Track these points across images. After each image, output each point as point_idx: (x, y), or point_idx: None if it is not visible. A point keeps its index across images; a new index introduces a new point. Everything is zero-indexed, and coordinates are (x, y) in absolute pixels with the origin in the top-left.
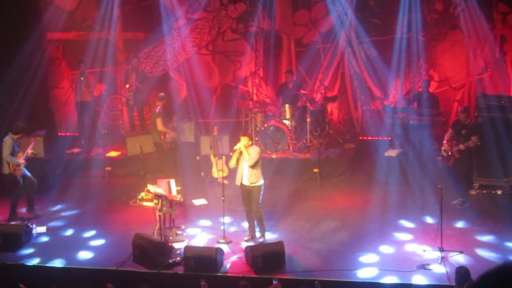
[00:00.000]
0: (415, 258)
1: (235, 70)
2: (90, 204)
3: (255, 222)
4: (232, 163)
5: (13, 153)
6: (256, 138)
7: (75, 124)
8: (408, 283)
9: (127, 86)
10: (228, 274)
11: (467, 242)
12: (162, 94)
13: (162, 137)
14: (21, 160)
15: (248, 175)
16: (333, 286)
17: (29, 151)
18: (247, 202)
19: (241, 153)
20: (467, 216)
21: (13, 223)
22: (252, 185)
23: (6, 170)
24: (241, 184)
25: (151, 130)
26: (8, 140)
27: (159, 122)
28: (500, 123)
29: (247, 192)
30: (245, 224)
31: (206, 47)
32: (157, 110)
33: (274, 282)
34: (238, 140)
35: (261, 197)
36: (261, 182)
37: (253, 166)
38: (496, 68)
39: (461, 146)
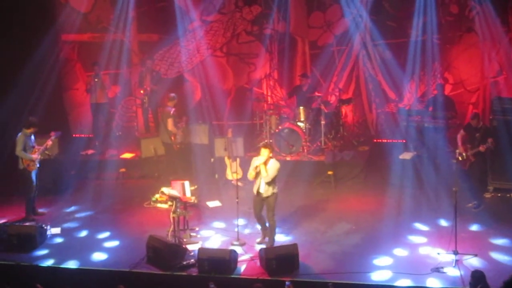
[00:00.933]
0: (429, 261)
1: (249, 72)
2: (104, 205)
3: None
4: (251, 176)
5: (26, 149)
6: (271, 140)
7: (90, 125)
8: (422, 286)
9: (142, 92)
10: (242, 277)
11: (481, 245)
12: (172, 94)
13: (172, 138)
14: (34, 156)
15: (265, 189)
16: None
17: (49, 142)
18: (259, 208)
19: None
20: (481, 219)
21: (27, 224)
22: (268, 196)
23: (20, 166)
24: (258, 192)
25: (161, 130)
26: (20, 135)
27: (170, 122)
28: None
29: (261, 200)
30: (259, 226)
31: (221, 49)
32: (171, 112)
33: (286, 283)
34: (254, 145)
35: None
36: (275, 191)
37: (269, 183)
38: (511, 71)
39: (481, 148)
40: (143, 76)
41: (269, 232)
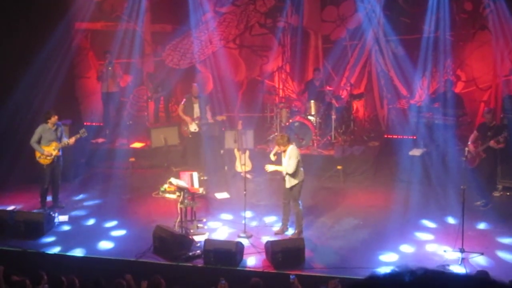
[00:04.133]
0: (435, 258)
1: (262, 65)
2: (112, 194)
3: (292, 217)
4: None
5: (42, 141)
6: (275, 134)
7: (101, 114)
8: None
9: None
10: (247, 269)
11: (488, 244)
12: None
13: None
14: (46, 149)
15: (288, 180)
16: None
17: (71, 140)
18: (287, 196)
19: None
20: (489, 218)
21: (35, 211)
22: (292, 187)
23: (36, 157)
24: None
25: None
26: (40, 127)
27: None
28: None
29: (288, 190)
30: (267, 219)
31: (234, 41)
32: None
33: (291, 277)
34: (264, 138)
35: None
36: (298, 180)
37: (292, 174)
38: None
39: (492, 143)
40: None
41: (296, 222)
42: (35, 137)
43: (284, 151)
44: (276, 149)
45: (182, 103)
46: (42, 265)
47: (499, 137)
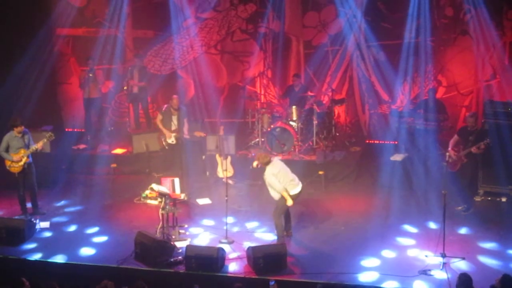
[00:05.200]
0: (417, 264)
1: (243, 71)
2: (94, 200)
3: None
4: None
5: (10, 149)
6: (262, 139)
7: (82, 120)
8: None
9: (125, 88)
10: (229, 275)
11: (469, 249)
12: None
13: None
14: (15, 157)
15: (272, 193)
16: None
17: (39, 145)
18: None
19: None
20: (470, 223)
21: (16, 217)
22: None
23: (6, 166)
24: None
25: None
26: (5, 136)
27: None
28: (507, 130)
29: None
30: (248, 225)
31: (215, 47)
32: (163, 108)
33: (271, 283)
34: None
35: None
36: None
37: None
38: (504, 75)
39: (473, 149)
40: (130, 72)
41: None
42: (3, 146)
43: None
44: (256, 163)
45: (160, 113)
46: (23, 272)
47: (480, 143)
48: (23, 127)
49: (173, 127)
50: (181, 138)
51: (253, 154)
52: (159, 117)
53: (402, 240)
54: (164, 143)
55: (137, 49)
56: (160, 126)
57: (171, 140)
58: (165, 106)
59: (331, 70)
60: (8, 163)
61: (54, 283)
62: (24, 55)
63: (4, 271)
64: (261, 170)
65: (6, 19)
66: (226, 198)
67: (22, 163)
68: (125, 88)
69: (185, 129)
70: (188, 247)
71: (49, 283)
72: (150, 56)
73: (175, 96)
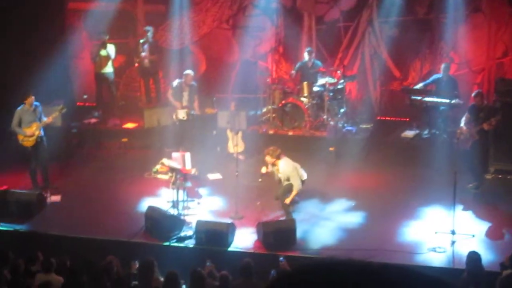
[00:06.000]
0: (426, 240)
1: (255, 46)
2: (105, 175)
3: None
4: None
5: (22, 123)
6: (274, 115)
7: (94, 94)
8: (418, 264)
9: (136, 62)
10: (238, 250)
11: (479, 226)
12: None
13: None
14: (28, 131)
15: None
16: None
17: (49, 120)
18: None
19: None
20: (481, 200)
21: (26, 191)
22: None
23: (19, 140)
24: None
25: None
26: (17, 110)
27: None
28: None
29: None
30: (258, 200)
31: (227, 22)
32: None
33: (280, 259)
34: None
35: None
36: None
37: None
38: None
39: (485, 126)
40: (142, 46)
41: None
42: (15, 121)
43: (273, 164)
44: (265, 169)
45: (172, 88)
46: (33, 245)
47: (491, 119)
48: (33, 98)
49: (184, 103)
50: (191, 114)
51: (263, 130)
52: (170, 91)
53: (412, 217)
54: (175, 118)
55: (149, 24)
56: (171, 99)
57: (182, 116)
58: (177, 81)
59: (343, 47)
60: (21, 137)
61: (65, 257)
62: (35, 29)
63: (15, 245)
64: None
65: None
66: (236, 173)
67: (35, 137)
68: (136, 63)
69: (196, 105)
70: (198, 222)
71: (60, 257)
72: (161, 31)
73: (190, 72)
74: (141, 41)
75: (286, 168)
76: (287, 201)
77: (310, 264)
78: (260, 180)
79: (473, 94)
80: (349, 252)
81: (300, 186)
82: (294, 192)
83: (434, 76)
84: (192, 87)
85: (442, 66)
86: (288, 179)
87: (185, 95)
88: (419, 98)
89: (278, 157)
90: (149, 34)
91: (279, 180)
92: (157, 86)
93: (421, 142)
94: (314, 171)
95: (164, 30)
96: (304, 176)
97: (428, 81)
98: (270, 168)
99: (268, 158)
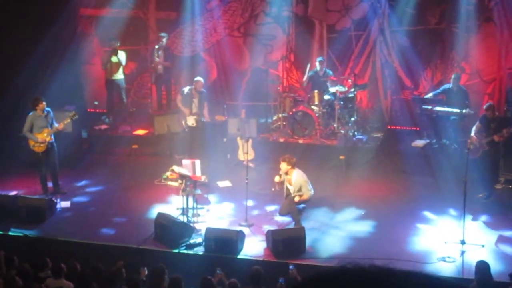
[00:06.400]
0: (435, 250)
1: (266, 54)
2: (115, 181)
3: None
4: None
5: (34, 128)
6: (284, 123)
7: (105, 100)
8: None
9: (152, 67)
10: (248, 257)
11: (489, 237)
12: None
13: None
14: (40, 136)
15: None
16: None
17: (60, 126)
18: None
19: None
20: (490, 210)
21: (37, 196)
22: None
23: (30, 146)
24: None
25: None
26: (29, 115)
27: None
28: None
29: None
30: (268, 208)
31: (238, 30)
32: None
33: (290, 267)
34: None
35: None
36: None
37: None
38: None
39: (495, 137)
40: (156, 52)
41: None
42: (27, 126)
43: (287, 173)
44: (279, 178)
45: (181, 94)
46: (43, 251)
47: (503, 131)
48: (44, 104)
49: (194, 110)
50: (201, 121)
51: (273, 138)
52: (179, 97)
53: (422, 226)
54: (184, 125)
55: (160, 30)
56: (180, 105)
57: (191, 122)
58: (187, 87)
59: (354, 55)
60: (32, 142)
61: (75, 263)
62: (47, 35)
63: (25, 250)
64: None
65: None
66: (246, 181)
67: (46, 143)
68: (151, 68)
69: (205, 112)
70: (207, 229)
71: (70, 263)
72: (173, 38)
73: (201, 79)
74: (156, 46)
75: (300, 178)
76: (296, 199)
77: (332, 271)
78: (273, 189)
79: (484, 107)
80: (359, 261)
81: (311, 195)
82: (305, 196)
83: (444, 86)
84: (202, 94)
85: (452, 76)
86: (300, 189)
87: (195, 101)
88: (429, 107)
89: (293, 165)
90: (164, 40)
91: (287, 193)
92: (169, 93)
93: (431, 151)
94: (324, 180)
95: (176, 37)
96: (312, 191)
97: (438, 91)
98: (283, 177)
99: (284, 166)
